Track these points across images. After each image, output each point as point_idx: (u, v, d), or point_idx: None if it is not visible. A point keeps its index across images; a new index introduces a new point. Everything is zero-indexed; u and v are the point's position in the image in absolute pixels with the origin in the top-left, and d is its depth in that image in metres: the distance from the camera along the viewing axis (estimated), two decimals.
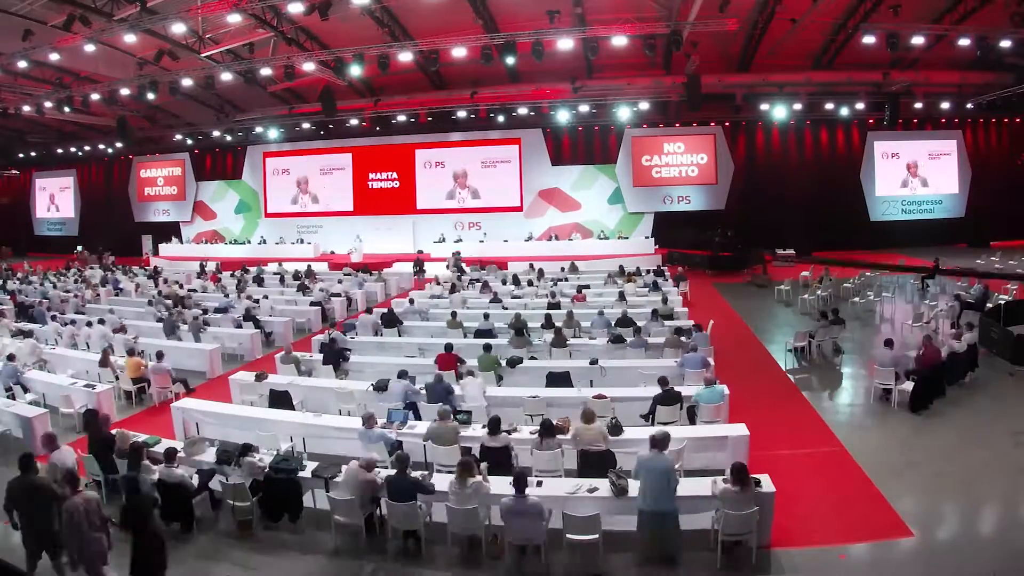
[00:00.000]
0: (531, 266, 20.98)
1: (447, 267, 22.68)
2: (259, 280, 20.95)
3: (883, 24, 17.49)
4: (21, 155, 33.84)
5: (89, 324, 14.13)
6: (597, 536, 5.90)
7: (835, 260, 21.53)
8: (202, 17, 17.71)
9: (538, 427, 7.39)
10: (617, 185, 26.96)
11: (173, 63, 19.69)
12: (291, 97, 26.32)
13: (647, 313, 13.41)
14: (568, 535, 5.94)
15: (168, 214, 32.91)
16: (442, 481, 6.59)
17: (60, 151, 32.90)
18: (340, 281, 20.23)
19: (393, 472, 6.47)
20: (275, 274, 21.86)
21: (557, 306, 15.06)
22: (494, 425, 7.26)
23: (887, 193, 26.31)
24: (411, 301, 16.00)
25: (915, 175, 26.29)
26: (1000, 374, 10.78)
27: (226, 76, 20.14)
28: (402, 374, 9.11)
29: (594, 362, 10.35)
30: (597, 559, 5.97)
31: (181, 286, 20.02)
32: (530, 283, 18.49)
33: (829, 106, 23.87)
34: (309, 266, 22.62)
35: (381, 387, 9.29)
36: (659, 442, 6.12)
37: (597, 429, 7.21)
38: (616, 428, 7.53)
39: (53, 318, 15.60)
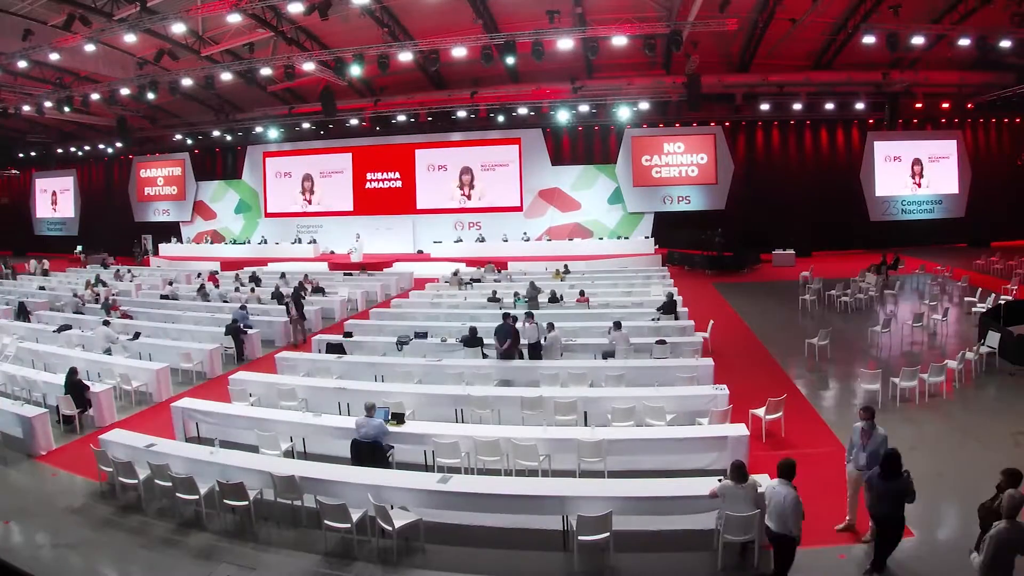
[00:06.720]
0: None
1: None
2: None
3: (883, 24, 17.50)
4: (21, 155, 33.90)
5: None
6: (607, 535, 5.89)
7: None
8: (202, 17, 17.74)
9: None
10: (617, 185, 26.95)
11: (173, 63, 19.71)
12: (291, 97, 26.32)
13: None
14: (580, 537, 5.91)
15: (168, 214, 32.92)
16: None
17: (60, 151, 32.94)
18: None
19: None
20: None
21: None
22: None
23: (887, 193, 26.31)
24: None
25: (919, 176, 26.18)
26: (1000, 374, 10.77)
27: (226, 76, 20.16)
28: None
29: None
30: (608, 558, 5.97)
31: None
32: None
33: (829, 106, 23.85)
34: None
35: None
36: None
37: None
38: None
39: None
